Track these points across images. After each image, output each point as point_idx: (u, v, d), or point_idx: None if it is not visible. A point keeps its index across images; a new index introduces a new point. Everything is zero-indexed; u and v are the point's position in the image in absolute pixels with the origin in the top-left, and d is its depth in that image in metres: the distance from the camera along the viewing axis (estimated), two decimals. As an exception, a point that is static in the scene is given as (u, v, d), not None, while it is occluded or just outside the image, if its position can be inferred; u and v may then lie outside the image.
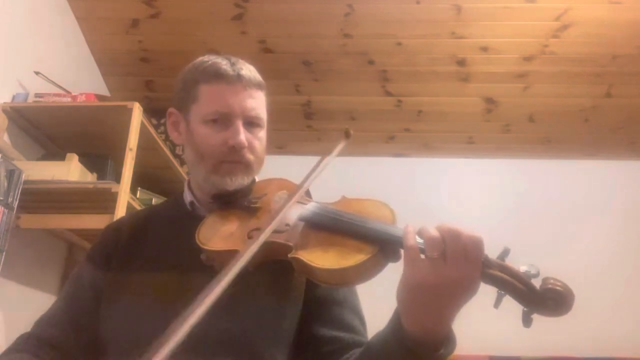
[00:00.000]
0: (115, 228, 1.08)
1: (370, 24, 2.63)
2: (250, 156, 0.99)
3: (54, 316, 0.99)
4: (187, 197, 1.07)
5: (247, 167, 0.99)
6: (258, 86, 1.01)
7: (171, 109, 1.06)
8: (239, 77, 0.98)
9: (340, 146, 0.99)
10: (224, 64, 0.99)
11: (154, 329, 0.92)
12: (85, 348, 0.94)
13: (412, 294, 0.71)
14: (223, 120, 0.97)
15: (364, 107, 3.05)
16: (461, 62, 2.80)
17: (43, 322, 0.99)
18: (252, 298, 0.87)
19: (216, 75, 0.98)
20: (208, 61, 1.01)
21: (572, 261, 3.00)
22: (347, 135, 1.02)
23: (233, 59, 1.02)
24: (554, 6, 2.52)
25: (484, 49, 2.73)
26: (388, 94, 2.98)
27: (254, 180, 1.04)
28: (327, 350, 0.91)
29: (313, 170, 0.92)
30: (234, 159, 0.97)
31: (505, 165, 3.33)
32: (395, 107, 3.06)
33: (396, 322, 0.76)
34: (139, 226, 1.05)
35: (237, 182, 0.97)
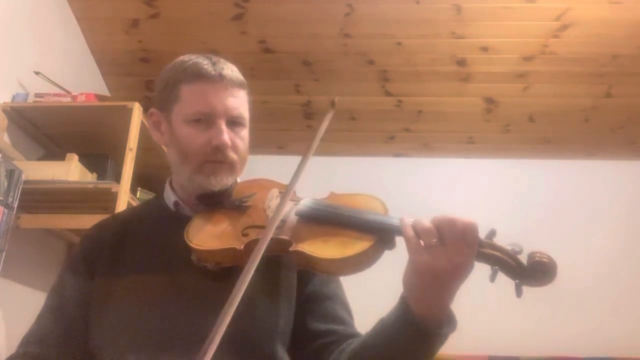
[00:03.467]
0: (96, 235, 1.05)
1: (370, 24, 2.63)
2: (233, 156, 0.99)
3: (41, 332, 0.96)
4: (171, 197, 1.05)
5: (231, 167, 0.99)
6: (240, 85, 1.01)
7: (152, 110, 1.05)
8: (220, 77, 0.97)
9: (328, 118, 0.98)
10: (205, 63, 0.98)
11: (149, 330, 0.91)
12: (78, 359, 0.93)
13: (421, 279, 0.77)
14: (206, 120, 0.97)
15: (364, 107, 3.05)
16: (461, 62, 2.80)
17: (31, 340, 0.95)
18: (248, 298, 0.87)
19: (198, 75, 0.97)
20: (189, 61, 1.00)
21: (571, 261, 3.00)
22: (332, 105, 1.01)
23: (214, 59, 1.01)
24: (554, 6, 2.52)
25: (484, 49, 2.72)
26: (388, 94, 2.98)
27: (235, 181, 1.04)
28: (324, 342, 0.94)
29: (307, 150, 0.94)
30: (217, 158, 0.97)
31: (505, 165, 3.33)
32: (395, 107, 3.06)
33: (404, 306, 0.80)
34: (121, 229, 1.04)
35: (221, 182, 0.97)
